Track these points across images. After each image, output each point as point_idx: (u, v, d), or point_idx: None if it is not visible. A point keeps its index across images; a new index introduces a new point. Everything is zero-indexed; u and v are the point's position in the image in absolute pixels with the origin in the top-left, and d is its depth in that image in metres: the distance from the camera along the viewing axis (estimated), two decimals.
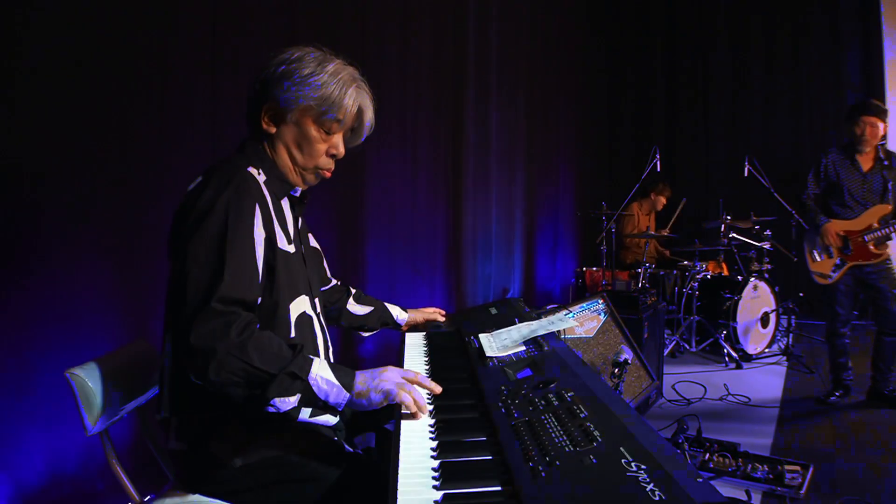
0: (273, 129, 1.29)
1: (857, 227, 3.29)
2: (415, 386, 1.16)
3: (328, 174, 1.36)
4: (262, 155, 1.30)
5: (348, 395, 1.11)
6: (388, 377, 1.15)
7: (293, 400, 1.06)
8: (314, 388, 1.08)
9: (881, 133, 3.26)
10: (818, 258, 3.46)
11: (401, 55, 3.61)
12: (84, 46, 1.93)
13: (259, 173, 1.24)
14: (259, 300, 1.16)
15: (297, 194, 1.38)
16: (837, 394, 3.48)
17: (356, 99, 1.30)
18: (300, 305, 1.26)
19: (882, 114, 3.25)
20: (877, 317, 3.36)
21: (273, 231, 1.21)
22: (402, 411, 1.12)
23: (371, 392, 1.12)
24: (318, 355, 1.27)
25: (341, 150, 1.34)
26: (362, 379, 1.13)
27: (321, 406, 1.10)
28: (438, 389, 1.20)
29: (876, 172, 3.28)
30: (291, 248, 1.28)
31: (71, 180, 1.93)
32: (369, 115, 1.35)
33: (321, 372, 1.09)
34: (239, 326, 1.04)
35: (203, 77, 2.36)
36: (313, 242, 1.58)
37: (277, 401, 1.04)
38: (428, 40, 3.87)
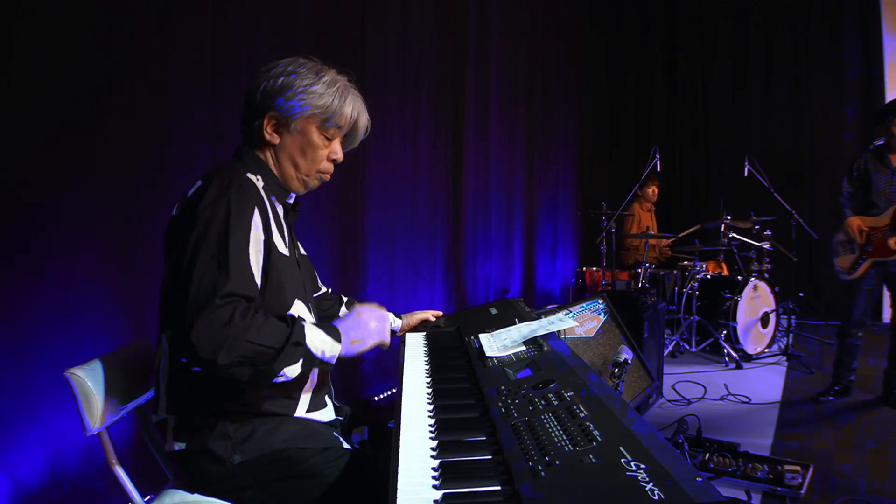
0: (276, 140, 1.34)
1: (880, 223, 3.31)
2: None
3: (328, 177, 1.43)
4: (259, 162, 1.34)
5: (340, 345, 1.20)
6: (371, 316, 1.31)
7: (298, 366, 1.12)
8: (311, 351, 1.15)
9: None
10: (841, 253, 3.49)
11: (401, 55, 3.61)
12: (85, 48, 1.93)
13: (258, 179, 1.28)
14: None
15: (291, 201, 1.42)
16: (834, 390, 3.50)
17: (355, 106, 1.37)
18: (295, 309, 1.28)
19: None
20: None
21: (271, 234, 1.23)
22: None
23: (366, 338, 1.27)
24: None
25: (340, 155, 1.41)
26: (345, 327, 1.24)
27: (317, 364, 1.18)
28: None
29: None
30: (288, 252, 1.30)
31: (71, 181, 1.92)
32: (364, 121, 1.43)
33: (314, 333, 1.17)
34: (241, 311, 1.07)
35: (203, 79, 2.36)
36: (302, 250, 1.60)
37: (287, 370, 1.11)
38: (428, 40, 3.87)
